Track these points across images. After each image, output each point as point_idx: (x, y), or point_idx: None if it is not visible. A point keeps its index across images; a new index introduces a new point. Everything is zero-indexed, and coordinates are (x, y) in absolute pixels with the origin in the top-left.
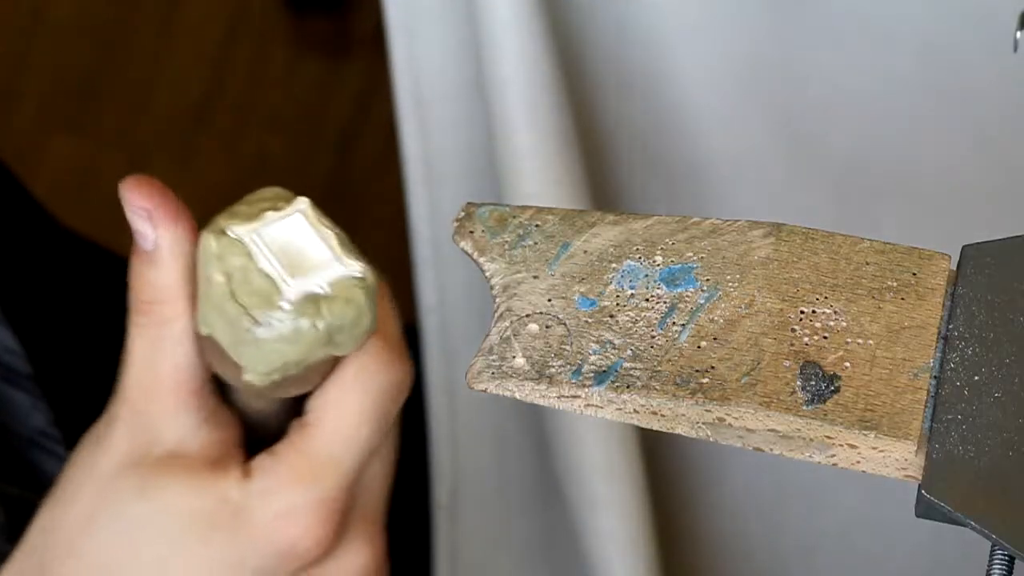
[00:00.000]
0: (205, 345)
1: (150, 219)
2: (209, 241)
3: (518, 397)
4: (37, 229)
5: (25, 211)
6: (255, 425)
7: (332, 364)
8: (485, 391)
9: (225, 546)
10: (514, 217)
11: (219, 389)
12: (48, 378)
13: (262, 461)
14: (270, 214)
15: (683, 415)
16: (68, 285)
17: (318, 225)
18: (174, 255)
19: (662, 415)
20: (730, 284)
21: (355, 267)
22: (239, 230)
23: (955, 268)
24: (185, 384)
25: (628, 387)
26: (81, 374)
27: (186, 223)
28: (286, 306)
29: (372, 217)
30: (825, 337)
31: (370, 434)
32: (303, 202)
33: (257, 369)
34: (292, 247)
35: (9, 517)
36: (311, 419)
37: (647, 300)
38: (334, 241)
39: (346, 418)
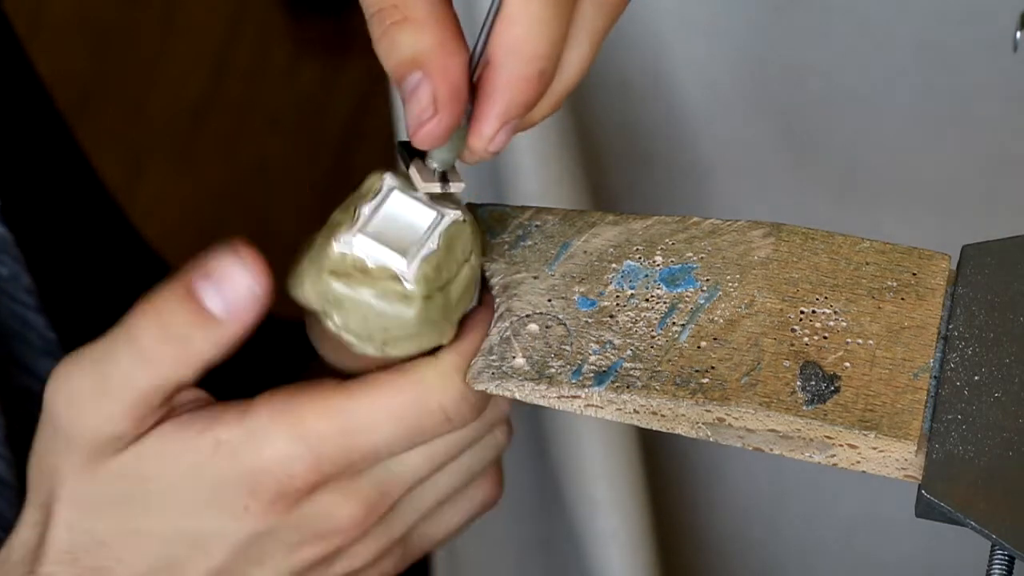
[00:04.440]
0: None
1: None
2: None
3: (518, 397)
4: (125, 256)
5: (120, 237)
6: None
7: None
8: (485, 391)
9: (217, 482)
10: (514, 217)
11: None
12: None
13: (272, 400)
14: (363, 209)
15: (683, 415)
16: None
17: (409, 189)
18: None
19: (662, 415)
20: (730, 284)
21: (455, 213)
22: (343, 238)
23: (955, 268)
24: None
25: (628, 387)
26: None
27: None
28: (409, 286)
29: None
30: (825, 337)
31: (390, 438)
32: (389, 179)
33: (386, 349)
34: (398, 222)
35: None
36: (350, 386)
37: (647, 300)
38: (425, 198)
39: (374, 408)
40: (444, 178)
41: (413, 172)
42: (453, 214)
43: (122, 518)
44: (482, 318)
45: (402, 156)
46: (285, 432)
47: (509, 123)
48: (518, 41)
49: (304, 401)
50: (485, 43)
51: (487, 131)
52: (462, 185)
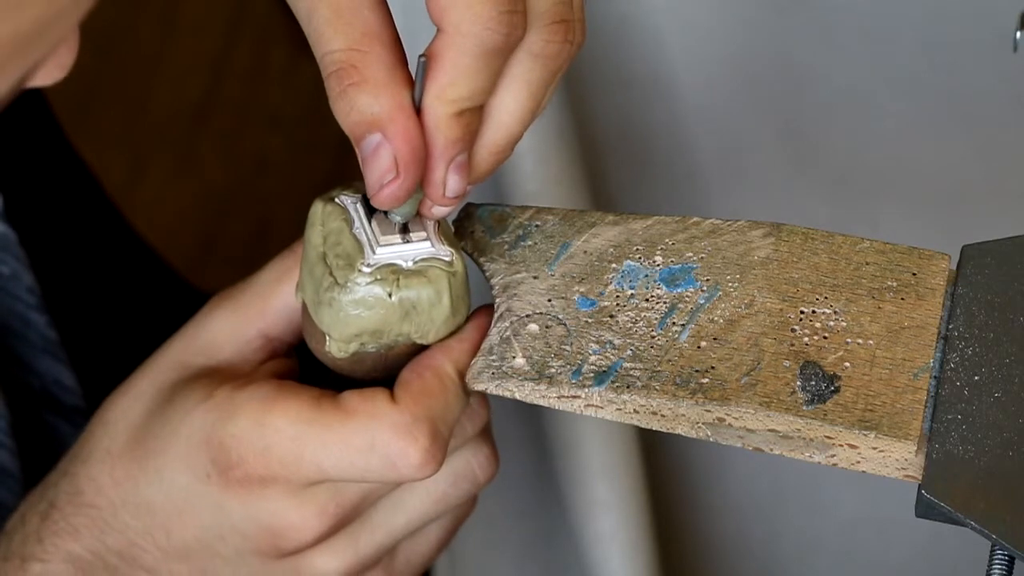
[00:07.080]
0: (303, 318)
1: None
2: (316, 206)
3: (518, 397)
4: (124, 257)
5: (114, 233)
6: None
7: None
8: (485, 391)
9: (192, 434)
10: (514, 217)
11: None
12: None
13: (266, 384)
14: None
15: (683, 415)
16: (140, 317)
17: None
18: None
19: (662, 415)
20: (730, 284)
21: (444, 251)
22: (345, 198)
23: (955, 268)
24: (278, 322)
25: (628, 387)
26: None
27: None
28: (365, 269)
29: None
30: (825, 337)
31: (339, 466)
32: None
33: (334, 334)
34: (396, 224)
35: None
36: (325, 403)
37: (647, 300)
38: (436, 227)
39: (329, 433)
40: (405, 229)
41: (375, 226)
42: (443, 251)
43: (136, 461)
44: (480, 320)
45: (360, 211)
46: (250, 416)
47: (452, 162)
48: (442, 89)
49: (283, 396)
50: (421, 98)
51: (437, 176)
52: (424, 235)
